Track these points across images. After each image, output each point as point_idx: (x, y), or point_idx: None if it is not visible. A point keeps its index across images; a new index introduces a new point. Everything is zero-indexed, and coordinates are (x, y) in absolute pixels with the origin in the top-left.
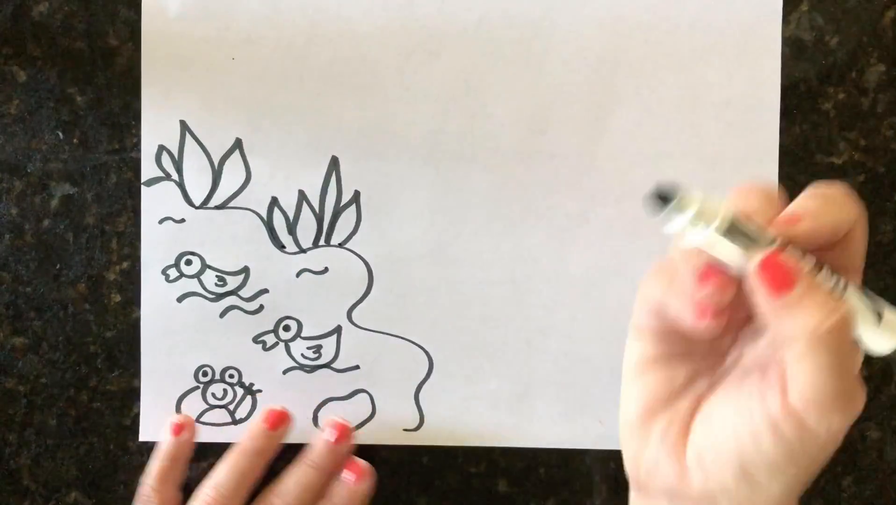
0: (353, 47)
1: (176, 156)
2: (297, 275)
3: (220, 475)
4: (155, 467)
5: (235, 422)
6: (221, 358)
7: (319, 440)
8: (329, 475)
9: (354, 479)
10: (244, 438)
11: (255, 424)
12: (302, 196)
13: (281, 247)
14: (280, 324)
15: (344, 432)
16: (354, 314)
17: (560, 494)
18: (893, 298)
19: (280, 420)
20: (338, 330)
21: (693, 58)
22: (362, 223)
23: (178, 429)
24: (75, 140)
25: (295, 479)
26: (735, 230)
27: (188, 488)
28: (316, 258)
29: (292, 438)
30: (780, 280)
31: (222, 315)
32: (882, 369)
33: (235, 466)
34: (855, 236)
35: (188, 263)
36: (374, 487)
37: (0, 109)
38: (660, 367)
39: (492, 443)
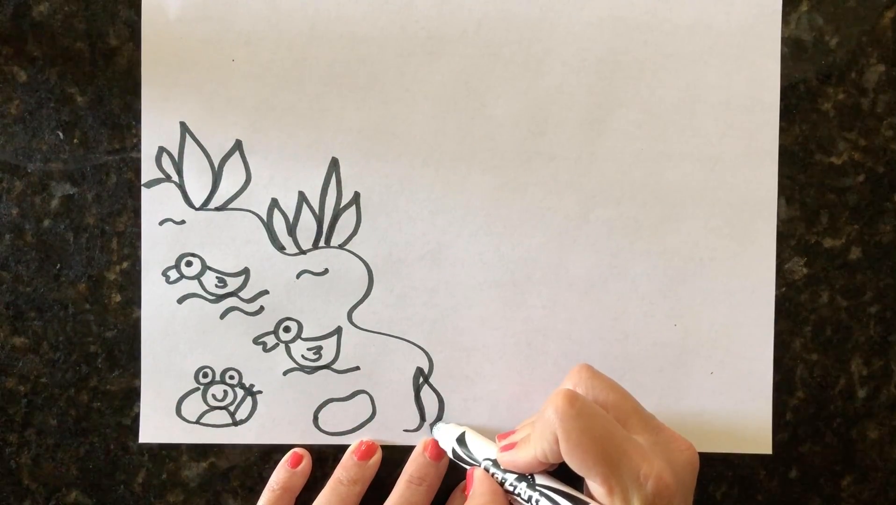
0: (353, 49)
1: (176, 157)
2: (298, 276)
3: (320, 501)
4: (266, 497)
5: (236, 423)
6: (222, 359)
7: (419, 456)
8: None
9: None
10: (337, 469)
11: (346, 456)
12: (302, 197)
13: (281, 248)
14: (280, 325)
15: (439, 451)
16: (354, 315)
17: None
18: (894, 298)
19: (369, 452)
20: (338, 331)
21: (692, 59)
22: (362, 224)
23: (297, 461)
24: (75, 140)
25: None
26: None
27: (188, 488)
28: (316, 259)
29: (293, 438)
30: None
31: (222, 316)
32: (882, 369)
33: (334, 492)
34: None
35: (188, 264)
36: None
37: (0, 109)
38: None
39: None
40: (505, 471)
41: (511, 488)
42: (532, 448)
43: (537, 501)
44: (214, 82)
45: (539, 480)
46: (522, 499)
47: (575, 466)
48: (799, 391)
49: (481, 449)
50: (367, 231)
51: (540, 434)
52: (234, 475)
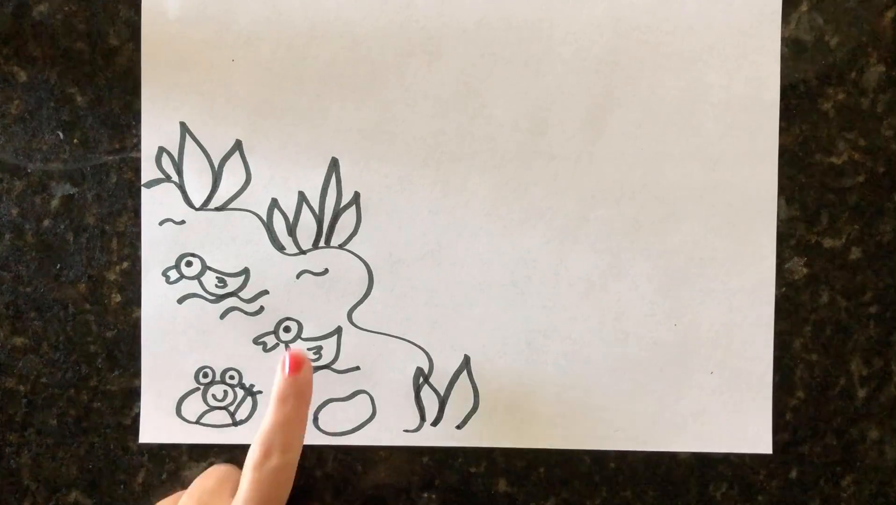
0: (353, 48)
1: (176, 157)
2: (298, 276)
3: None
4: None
5: (236, 423)
6: (222, 359)
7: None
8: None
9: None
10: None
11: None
12: (302, 197)
13: (281, 248)
14: (280, 325)
15: (298, 363)
16: (355, 315)
17: (560, 494)
18: (894, 298)
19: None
20: (338, 331)
21: (692, 59)
22: (362, 224)
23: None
24: (75, 140)
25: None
26: None
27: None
28: (316, 259)
29: None
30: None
31: (223, 316)
32: (882, 369)
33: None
34: None
35: (188, 264)
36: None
37: (0, 109)
38: None
39: (492, 443)
40: None
41: None
42: None
43: None
44: (214, 82)
45: None
46: None
47: None
48: (799, 391)
49: None
50: (367, 231)
51: None
52: None
